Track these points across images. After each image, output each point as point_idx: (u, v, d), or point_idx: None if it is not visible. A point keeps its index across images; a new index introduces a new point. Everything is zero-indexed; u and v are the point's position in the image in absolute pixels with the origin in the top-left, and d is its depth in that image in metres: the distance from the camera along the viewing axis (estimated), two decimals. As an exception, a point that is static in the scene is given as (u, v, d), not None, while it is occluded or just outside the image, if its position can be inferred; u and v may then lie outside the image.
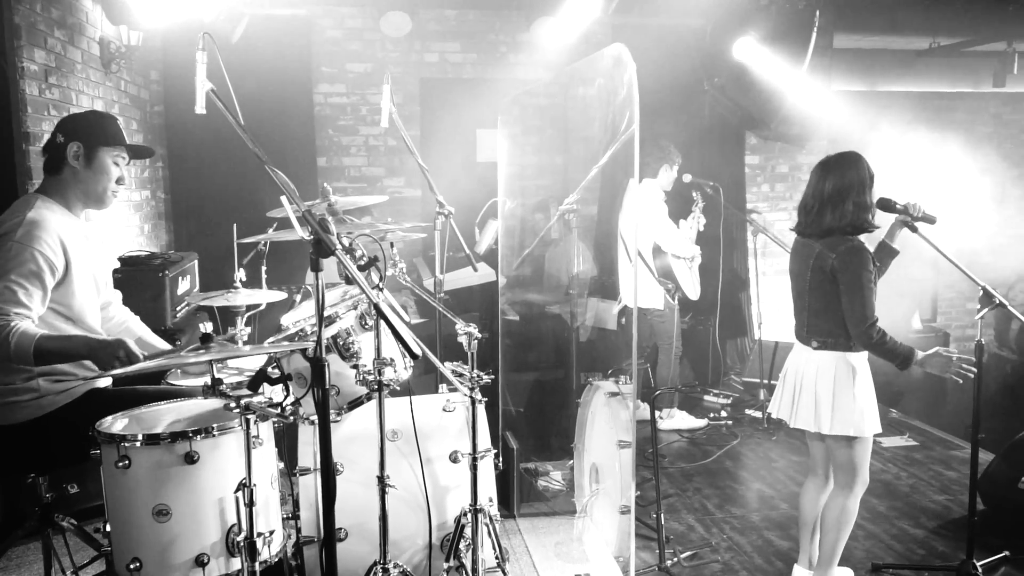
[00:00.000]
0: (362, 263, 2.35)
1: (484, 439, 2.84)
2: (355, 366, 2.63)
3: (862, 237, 3.04)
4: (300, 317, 2.78)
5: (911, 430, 5.42)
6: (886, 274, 3.21)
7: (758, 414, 5.61)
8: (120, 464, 2.14)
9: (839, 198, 3.00)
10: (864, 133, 6.48)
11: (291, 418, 2.52)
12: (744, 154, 7.18)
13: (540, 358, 5.17)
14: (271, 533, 2.28)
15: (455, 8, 6.45)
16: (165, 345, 2.98)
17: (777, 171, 7.34)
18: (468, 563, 2.77)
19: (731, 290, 6.64)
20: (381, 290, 2.44)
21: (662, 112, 5.85)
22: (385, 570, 2.56)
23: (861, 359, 3.04)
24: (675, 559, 3.52)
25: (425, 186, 4.38)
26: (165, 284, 4.17)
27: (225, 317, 3.85)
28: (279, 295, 3.29)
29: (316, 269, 2.00)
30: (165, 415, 2.45)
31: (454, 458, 2.90)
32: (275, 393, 2.43)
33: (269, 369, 2.16)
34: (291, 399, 2.34)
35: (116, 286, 3.09)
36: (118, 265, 4.14)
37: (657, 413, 5.00)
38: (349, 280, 2.26)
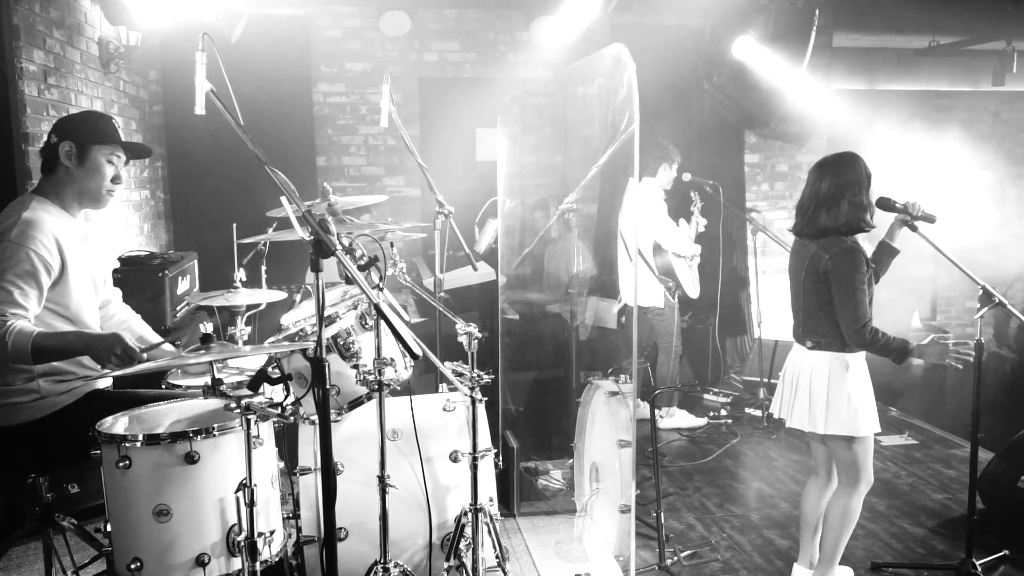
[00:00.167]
0: (362, 263, 2.35)
1: (484, 438, 2.84)
2: (355, 366, 2.63)
3: (861, 237, 3.04)
4: (300, 317, 2.78)
5: (911, 429, 5.43)
6: (886, 273, 3.21)
7: (758, 413, 5.61)
8: (121, 464, 2.15)
9: (835, 199, 3.00)
10: (863, 131, 6.47)
11: (291, 418, 2.53)
12: (744, 153, 7.17)
13: (540, 357, 5.17)
14: (271, 533, 2.29)
15: (454, 7, 6.45)
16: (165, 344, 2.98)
17: (777, 170, 7.33)
18: (468, 562, 2.77)
19: (731, 289, 6.64)
20: (381, 290, 2.44)
21: (662, 111, 5.85)
22: (385, 569, 2.56)
23: (856, 359, 3.04)
24: (675, 558, 3.52)
25: (425, 185, 4.39)
26: (165, 284, 4.16)
27: (225, 317, 3.86)
28: (279, 295, 3.29)
29: (316, 269, 2.00)
30: (165, 415, 2.45)
31: (454, 457, 2.90)
32: (275, 393, 2.43)
33: (269, 369, 2.16)
34: (291, 399, 2.34)
35: (116, 286, 3.08)
36: (117, 265, 4.14)
37: (657, 412, 5.00)
38: (349, 280, 2.26)
